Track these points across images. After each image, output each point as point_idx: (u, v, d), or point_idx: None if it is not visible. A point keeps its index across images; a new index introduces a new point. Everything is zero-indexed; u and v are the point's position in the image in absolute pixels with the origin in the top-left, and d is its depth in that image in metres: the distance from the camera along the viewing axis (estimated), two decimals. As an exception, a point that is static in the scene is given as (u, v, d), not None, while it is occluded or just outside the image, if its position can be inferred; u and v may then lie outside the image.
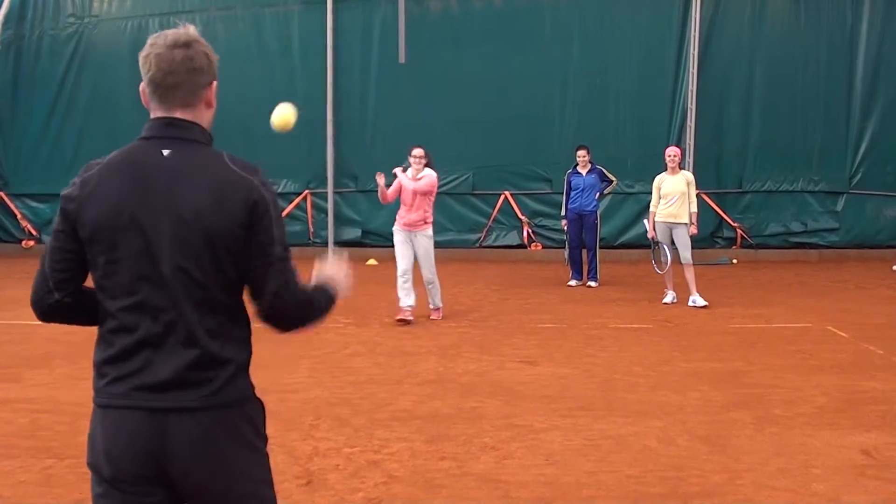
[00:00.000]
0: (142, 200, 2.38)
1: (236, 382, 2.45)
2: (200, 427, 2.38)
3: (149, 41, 2.45)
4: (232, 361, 2.44)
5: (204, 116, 2.52)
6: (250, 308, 2.51)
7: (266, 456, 2.56)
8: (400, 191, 9.96)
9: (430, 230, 9.96)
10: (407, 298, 9.74)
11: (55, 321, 2.55)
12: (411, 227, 9.86)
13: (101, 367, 2.44)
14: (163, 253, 2.37)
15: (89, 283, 2.50)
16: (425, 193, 9.86)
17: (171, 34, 2.44)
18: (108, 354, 2.43)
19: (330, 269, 2.70)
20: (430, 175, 9.93)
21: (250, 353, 2.53)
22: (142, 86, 2.47)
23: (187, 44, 2.43)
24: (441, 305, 10.22)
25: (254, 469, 2.50)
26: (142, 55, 2.45)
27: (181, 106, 2.46)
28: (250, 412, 2.50)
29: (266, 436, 2.57)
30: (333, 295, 2.63)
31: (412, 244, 9.87)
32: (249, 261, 2.43)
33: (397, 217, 9.99)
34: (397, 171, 10.05)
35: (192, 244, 2.37)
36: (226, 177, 2.42)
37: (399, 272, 9.73)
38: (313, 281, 2.66)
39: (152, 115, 2.49)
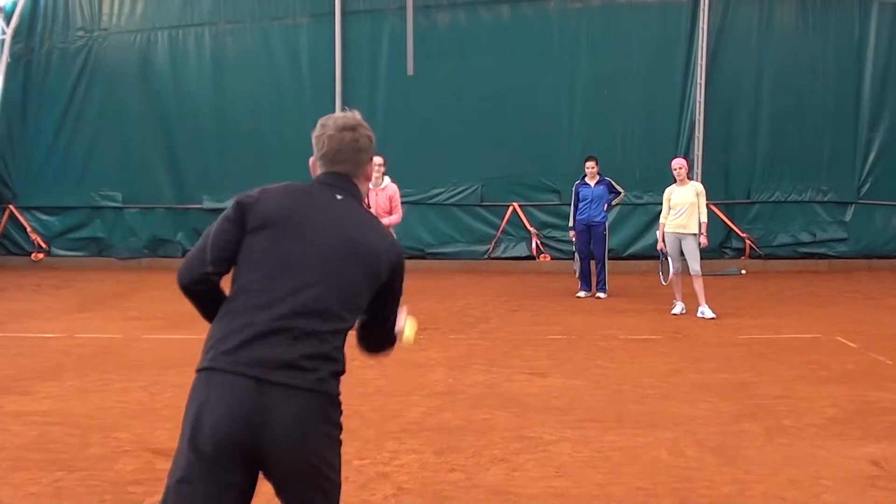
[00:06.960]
0: (315, 216, 2.86)
1: (334, 382, 2.83)
2: (301, 407, 2.69)
3: (320, 123, 2.99)
4: (338, 362, 2.85)
5: (362, 186, 3.04)
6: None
7: (340, 455, 2.91)
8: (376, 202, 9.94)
9: None
10: None
11: (193, 293, 2.88)
12: None
13: (222, 339, 2.72)
14: (322, 251, 2.80)
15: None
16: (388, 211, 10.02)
17: (340, 119, 2.97)
18: (233, 327, 2.72)
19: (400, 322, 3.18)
20: (390, 186, 10.11)
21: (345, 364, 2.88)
22: (311, 160, 3.03)
23: (353, 128, 2.97)
24: None
25: (333, 458, 2.87)
26: (314, 135, 2.98)
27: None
28: (337, 410, 2.87)
29: (341, 440, 2.91)
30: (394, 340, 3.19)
31: None
32: (386, 297, 2.98)
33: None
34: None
35: (349, 256, 2.82)
36: (383, 233, 2.99)
37: None
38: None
39: (324, 171, 2.98)
